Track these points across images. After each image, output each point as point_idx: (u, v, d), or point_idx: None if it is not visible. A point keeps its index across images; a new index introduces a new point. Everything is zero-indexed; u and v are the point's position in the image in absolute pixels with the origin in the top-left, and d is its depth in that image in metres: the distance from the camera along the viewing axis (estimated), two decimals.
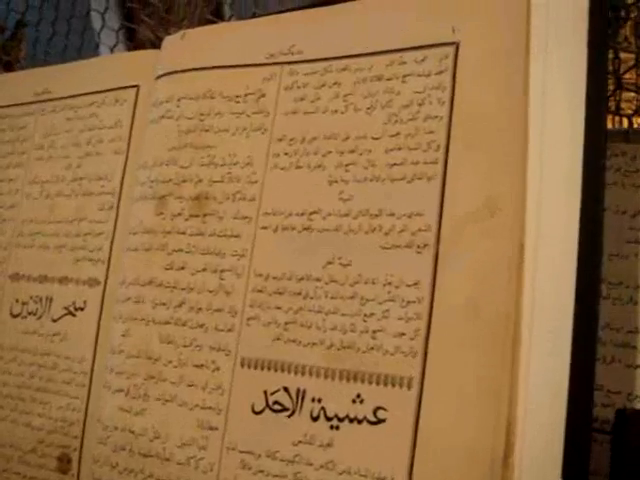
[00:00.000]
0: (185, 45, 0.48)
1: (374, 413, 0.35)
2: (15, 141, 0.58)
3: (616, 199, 0.40)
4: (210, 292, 0.41)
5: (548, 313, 0.32)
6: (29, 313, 0.51)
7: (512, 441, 0.32)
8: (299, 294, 0.38)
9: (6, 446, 0.50)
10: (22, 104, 0.58)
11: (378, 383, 0.35)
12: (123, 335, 0.44)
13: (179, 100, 0.46)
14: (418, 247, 0.36)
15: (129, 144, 0.49)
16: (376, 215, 0.37)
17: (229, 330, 0.40)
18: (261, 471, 0.38)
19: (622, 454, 0.37)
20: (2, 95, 0.60)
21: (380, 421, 0.35)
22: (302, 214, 0.39)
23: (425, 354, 0.34)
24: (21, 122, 0.58)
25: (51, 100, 0.56)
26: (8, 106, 0.59)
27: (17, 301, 0.52)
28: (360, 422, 0.35)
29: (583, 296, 0.32)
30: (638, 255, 0.39)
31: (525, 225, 0.33)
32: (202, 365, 0.40)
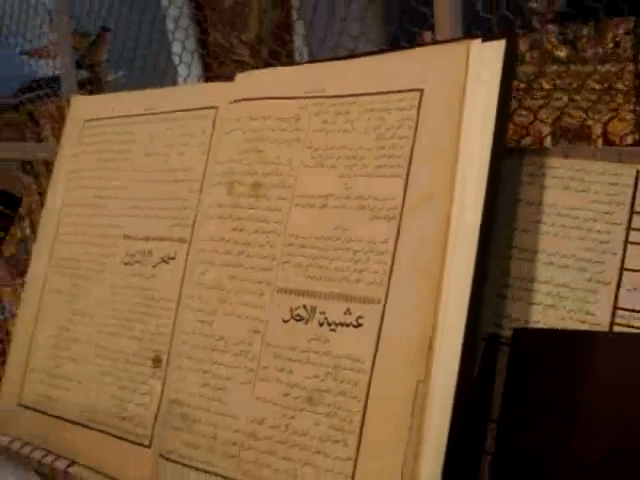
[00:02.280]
0: (251, 81, 0.71)
1: (356, 320, 0.58)
2: (125, 142, 0.82)
3: (527, 194, 0.61)
4: (260, 246, 0.64)
5: (460, 261, 0.54)
6: (135, 261, 0.75)
7: (434, 338, 0.54)
8: (316, 247, 0.61)
9: (117, 352, 0.74)
10: (132, 115, 0.82)
11: (360, 302, 0.58)
12: (202, 273, 0.67)
13: (245, 119, 0.69)
14: (389, 219, 0.58)
15: (209, 147, 0.73)
16: (366, 198, 0.60)
17: (271, 270, 0.63)
18: (288, 359, 0.61)
19: (515, 359, 0.58)
20: (117, 108, 0.85)
21: (359, 325, 0.57)
22: (321, 196, 0.62)
23: (388, 284, 0.57)
24: (130, 128, 0.82)
25: (154, 114, 0.80)
26: (121, 116, 0.84)
27: (127, 254, 0.76)
28: (348, 326, 0.58)
29: (480, 253, 0.54)
30: (538, 230, 0.60)
31: (452, 207, 0.55)
32: (253, 292, 0.64)
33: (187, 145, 0.75)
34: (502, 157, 0.56)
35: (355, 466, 0.55)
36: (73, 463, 0.74)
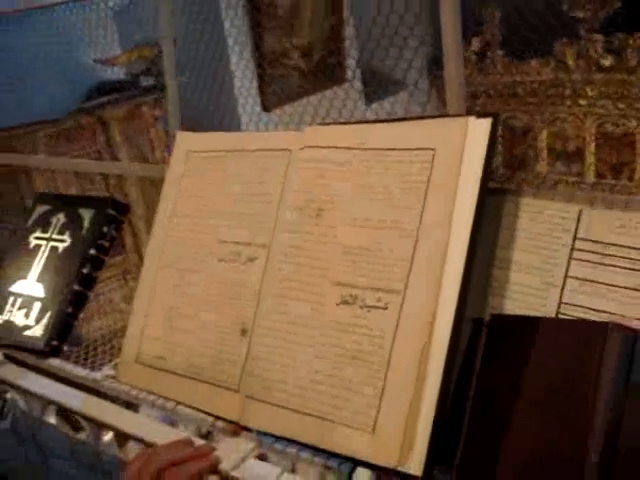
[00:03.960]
0: (316, 133, 1.02)
1: (385, 305, 0.88)
2: (221, 170, 1.13)
3: (506, 222, 0.90)
4: (321, 252, 0.95)
5: (454, 266, 0.84)
6: (229, 260, 1.06)
7: (435, 317, 0.84)
8: (359, 255, 0.92)
9: (214, 325, 1.05)
10: (227, 150, 1.14)
11: (388, 292, 0.88)
12: (278, 270, 0.98)
13: (312, 161, 1.00)
14: (409, 237, 0.88)
15: (284, 179, 1.03)
16: (394, 222, 0.90)
17: (328, 269, 0.94)
18: (339, 330, 0.91)
19: (492, 334, 0.88)
20: (214, 144, 1.16)
21: (386, 308, 0.88)
22: (364, 219, 0.93)
23: (407, 281, 0.87)
24: (225, 160, 1.13)
25: (243, 150, 1.11)
26: (218, 150, 1.15)
27: (222, 254, 1.07)
28: (379, 309, 0.88)
29: (467, 262, 0.84)
30: (512, 247, 0.90)
31: (450, 231, 0.85)
32: (315, 284, 0.94)
33: (268, 176, 1.06)
34: (486, 196, 0.85)
35: (380, 400, 0.85)
36: (178, 404, 1.06)
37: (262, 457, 0.96)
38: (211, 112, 5.10)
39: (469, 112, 0.90)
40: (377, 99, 4.61)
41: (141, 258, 3.54)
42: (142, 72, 3.47)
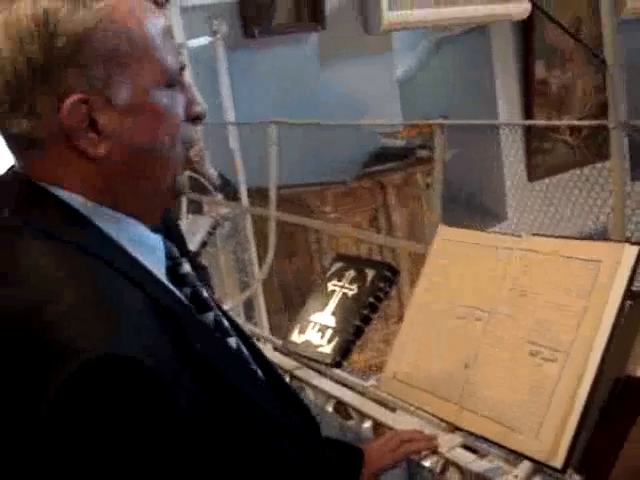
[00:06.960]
0: (526, 240, 1.59)
1: (555, 358, 1.42)
2: (458, 256, 1.73)
3: None
4: (522, 319, 1.51)
5: (599, 344, 1.37)
6: (463, 317, 1.65)
7: (583, 374, 1.37)
8: (544, 324, 1.47)
9: (447, 358, 1.65)
10: (469, 243, 1.74)
11: (558, 352, 1.42)
12: (494, 328, 1.56)
13: (522, 259, 1.57)
14: (576, 318, 1.42)
15: (504, 268, 1.61)
16: (570, 306, 1.44)
17: (525, 332, 1.50)
18: (525, 370, 1.47)
19: (624, 390, 1.38)
20: (457, 237, 1.77)
21: (555, 361, 1.42)
22: (550, 301, 1.48)
23: (571, 346, 1.41)
24: (461, 251, 1.73)
25: (483, 245, 1.70)
26: (456, 241, 1.75)
27: (457, 313, 1.67)
28: (551, 361, 1.43)
29: (608, 342, 1.36)
30: None
31: (602, 318, 1.38)
32: (516, 340, 1.51)
33: (496, 265, 1.64)
34: (629, 297, 1.37)
35: (544, 418, 1.40)
36: (417, 408, 1.67)
37: (467, 448, 1.54)
38: (478, 181, 5.72)
39: None
40: None
41: (401, 306, 4.22)
42: (419, 146, 4.16)
